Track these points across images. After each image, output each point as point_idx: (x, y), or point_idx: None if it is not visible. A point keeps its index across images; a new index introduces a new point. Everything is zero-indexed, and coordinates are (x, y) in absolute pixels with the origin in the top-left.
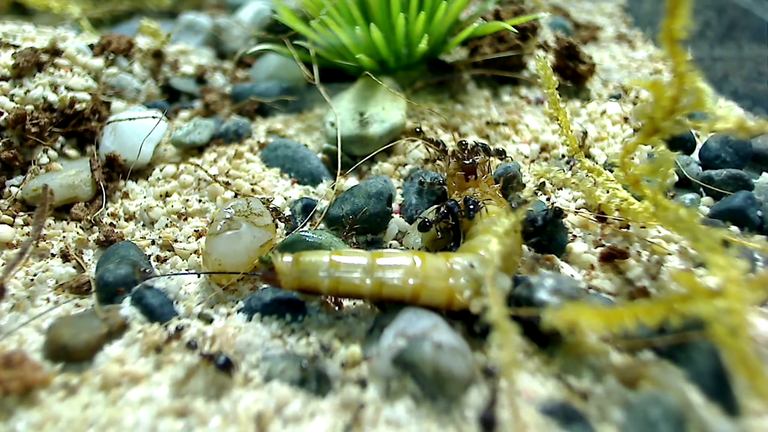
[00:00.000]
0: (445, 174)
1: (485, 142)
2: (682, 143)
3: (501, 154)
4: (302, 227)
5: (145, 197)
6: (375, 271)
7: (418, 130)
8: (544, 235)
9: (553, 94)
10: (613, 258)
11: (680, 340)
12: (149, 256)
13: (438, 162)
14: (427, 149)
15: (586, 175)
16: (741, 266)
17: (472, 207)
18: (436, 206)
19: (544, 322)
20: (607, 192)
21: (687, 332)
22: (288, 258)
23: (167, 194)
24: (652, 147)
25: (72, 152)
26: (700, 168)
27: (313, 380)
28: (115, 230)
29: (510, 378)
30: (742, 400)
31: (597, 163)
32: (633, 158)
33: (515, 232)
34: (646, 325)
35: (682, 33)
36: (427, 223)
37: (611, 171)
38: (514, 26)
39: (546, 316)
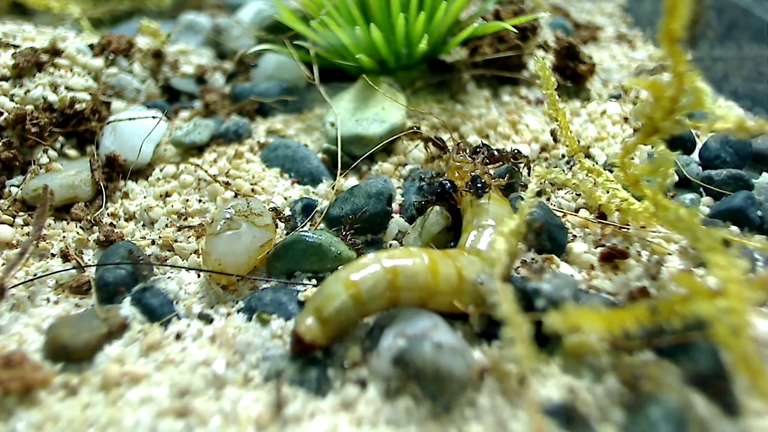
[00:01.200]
0: (446, 171)
1: (486, 142)
2: (682, 143)
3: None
4: (302, 227)
5: (145, 197)
6: (394, 291)
7: (416, 129)
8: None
9: (552, 95)
10: (613, 258)
11: (680, 341)
12: (149, 256)
13: (440, 158)
14: (426, 148)
15: (586, 176)
16: (741, 266)
17: (480, 185)
18: (432, 186)
19: (547, 325)
20: (607, 192)
21: (687, 333)
22: (310, 320)
23: (167, 194)
24: (652, 147)
25: (72, 152)
26: (700, 168)
27: (314, 380)
28: (115, 230)
29: (525, 372)
30: (742, 400)
31: (597, 163)
32: (633, 158)
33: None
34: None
35: (680, 33)
36: (423, 203)
37: (611, 171)
38: (514, 26)
39: (548, 319)
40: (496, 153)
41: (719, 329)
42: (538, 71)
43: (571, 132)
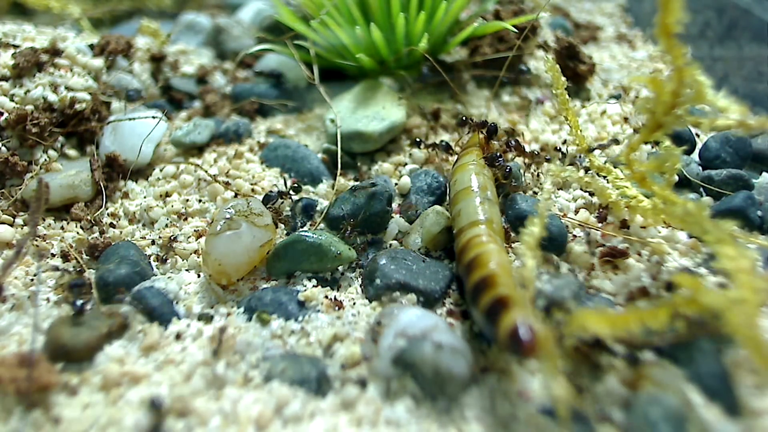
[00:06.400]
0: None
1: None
2: (681, 143)
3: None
4: (302, 227)
5: (145, 197)
6: None
7: (464, 118)
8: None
9: (563, 94)
10: (613, 258)
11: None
12: (149, 255)
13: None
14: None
15: (597, 174)
16: (751, 256)
17: (498, 157)
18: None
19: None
20: (617, 190)
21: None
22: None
23: (167, 194)
24: (652, 147)
25: (72, 152)
26: (700, 168)
27: (314, 380)
28: (107, 235)
29: (563, 414)
30: (742, 400)
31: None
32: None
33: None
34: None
35: (677, 27)
36: (463, 119)
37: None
38: (514, 26)
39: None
40: (521, 145)
41: (732, 319)
42: (548, 71)
43: (581, 131)
